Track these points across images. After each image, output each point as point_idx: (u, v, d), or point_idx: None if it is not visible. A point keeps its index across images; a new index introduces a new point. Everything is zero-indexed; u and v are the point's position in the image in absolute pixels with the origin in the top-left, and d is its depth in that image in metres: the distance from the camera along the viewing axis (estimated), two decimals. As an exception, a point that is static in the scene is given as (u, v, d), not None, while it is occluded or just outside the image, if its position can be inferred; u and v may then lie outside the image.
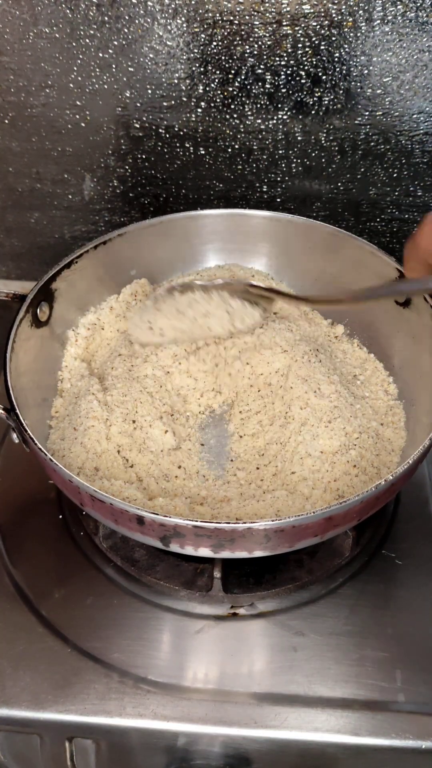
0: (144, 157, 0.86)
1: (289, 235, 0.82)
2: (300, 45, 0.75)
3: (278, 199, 0.89)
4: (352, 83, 0.78)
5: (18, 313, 0.67)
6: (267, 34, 0.75)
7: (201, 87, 0.80)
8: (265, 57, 0.77)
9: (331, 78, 0.78)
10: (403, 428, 0.70)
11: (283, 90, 0.79)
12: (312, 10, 0.73)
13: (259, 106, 0.81)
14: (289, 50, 0.76)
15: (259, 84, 0.79)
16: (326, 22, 0.74)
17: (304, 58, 0.77)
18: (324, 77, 0.78)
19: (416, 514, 0.70)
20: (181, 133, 0.84)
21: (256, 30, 0.75)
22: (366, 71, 0.77)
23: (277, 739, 0.55)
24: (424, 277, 0.53)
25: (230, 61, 0.77)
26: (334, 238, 0.78)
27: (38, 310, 0.71)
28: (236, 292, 0.67)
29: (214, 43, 0.76)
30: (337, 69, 0.77)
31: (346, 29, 0.74)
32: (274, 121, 0.82)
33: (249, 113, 0.81)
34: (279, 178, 0.87)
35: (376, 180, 0.85)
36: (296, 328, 0.77)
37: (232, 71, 0.78)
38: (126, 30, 0.76)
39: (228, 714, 0.56)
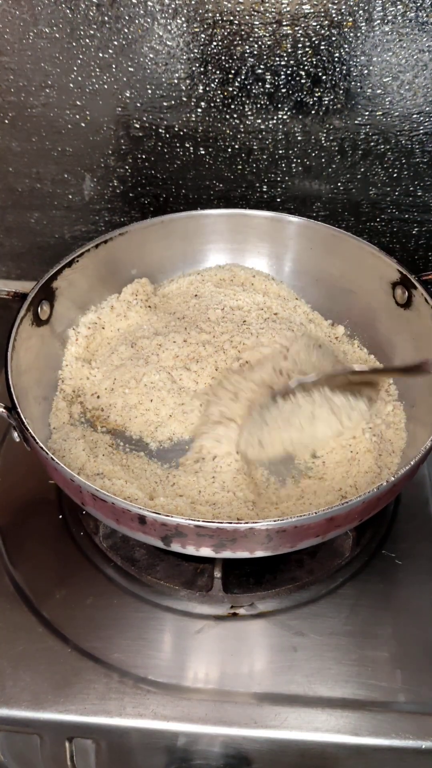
0: (144, 157, 0.86)
1: (289, 235, 0.82)
2: (300, 45, 0.76)
3: (278, 199, 0.89)
4: (352, 83, 0.78)
5: (19, 311, 0.67)
6: (267, 34, 0.75)
7: (201, 87, 0.80)
8: (265, 57, 0.77)
9: (331, 78, 0.78)
10: (403, 429, 0.70)
11: (283, 90, 0.79)
12: (312, 10, 0.73)
13: (259, 106, 0.81)
14: (289, 50, 0.76)
15: (259, 84, 0.79)
16: (326, 22, 0.74)
17: (304, 58, 0.77)
18: (324, 77, 0.78)
19: (416, 514, 0.70)
20: (181, 133, 0.84)
21: (256, 30, 0.75)
22: (366, 71, 0.77)
23: (277, 739, 0.55)
24: None
25: (230, 61, 0.77)
26: (334, 238, 0.78)
27: (39, 309, 0.71)
28: (337, 386, 0.63)
29: (214, 43, 0.76)
30: (337, 69, 0.77)
31: (346, 29, 0.74)
32: (274, 121, 0.82)
33: (249, 113, 0.81)
34: (279, 178, 0.87)
35: (376, 180, 0.86)
36: (297, 328, 0.77)
37: (232, 71, 0.78)
38: (126, 30, 0.76)
39: (228, 714, 0.56)
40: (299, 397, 0.63)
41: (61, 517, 0.70)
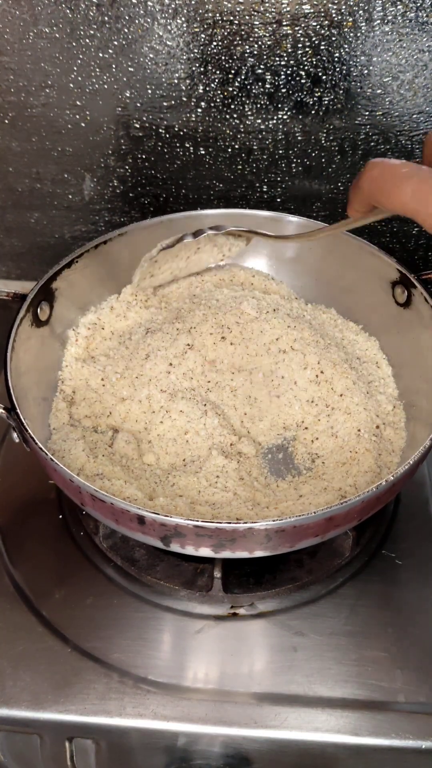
0: (144, 157, 0.86)
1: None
2: (300, 45, 0.76)
3: (278, 199, 0.89)
4: (352, 83, 0.78)
5: (18, 312, 0.67)
6: (267, 34, 0.75)
7: (201, 87, 0.80)
8: (265, 57, 0.77)
9: (331, 78, 0.78)
10: (403, 429, 0.70)
11: (283, 90, 0.79)
12: (312, 10, 0.73)
13: (259, 106, 0.81)
14: (289, 50, 0.76)
15: (259, 84, 0.79)
16: (326, 22, 0.74)
17: (304, 58, 0.77)
18: (324, 77, 0.78)
19: (416, 514, 0.70)
20: (181, 133, 0.84)
21: (256, 30, 0.75)
22: (366, 71, 0.77)
23: (277, 739, 0.55)
24: (364, 215, 0.56)
25: (230, 61, 0.77)
26: (334, 238, 0.78)
27: (39, 310, 0.71)
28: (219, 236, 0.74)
29: (214, 43, 0.76)
30: (337, 69, 0.77)
31: (346, 29, 0.74)
32: (274, 121, 0.82)
33: (249, 113, 0.81)
34: (279, 178, 0.87)
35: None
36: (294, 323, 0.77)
37: (232, 71, 0.78)
38: (126, 30, 0.76)
39: (228, 714, 0.56)
40: (186, 239, 0.72)
41: (61, 517, 0.70)
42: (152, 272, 0.76)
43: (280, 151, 0.84)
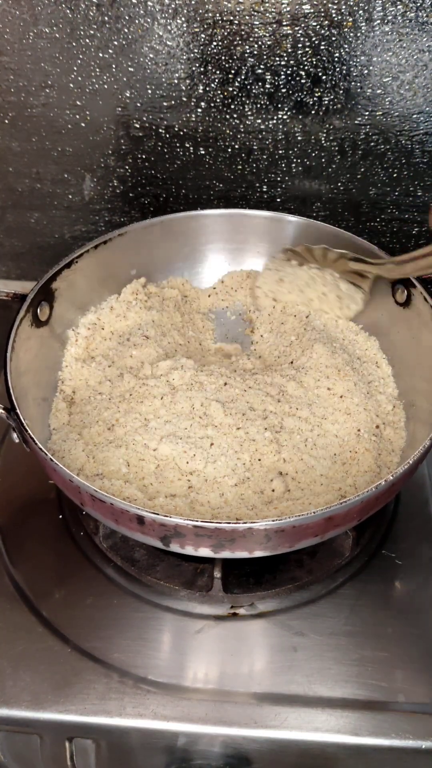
0: (144, 157, 0.86)
1: (288, 235, 0.82)
2: (300, 45, 0.76)
3: (278, 199, 0.89)
4: (352, 83, 0.78)
5: (18, 312, 0.67)
6: (267, 34, 0.75)
7: (201, 87, 0.80)
8: (265, 57, 0.77)
9: (331, 78, 0.78)
10: (403, 428, 0.70)
11: (283, 90, 0.79)
12: (312, 10, 0.73)
13: (259, 106, 0.81)
14: (289, 50, 0.76)
15: (259, 84, 0.79)
16: (326, 22, 0.74)
17: (304, 58, 0.77)
18: (324, 77, 0.78)
19: (416, 514, 0.70)
20: (181, 133, 0.84)
21: (256, 30, 0.75)
22: (366, 71, 0.77)
23: (277, 739, 0.55)
24: None
25: (230, 61, 0.77)
26: (334, 238, 0.78)
27: (38, 310, 0.71)
28: (340, 271, 0.76)
29: (214, 43, 0.76)
30: (337, 69, 0.77)
31: (346, 29, 0.74)
32: (274, 121, 0.82)
33: (249, 113, 0.81)
34: (279, 178, 0.87)
35: (376, 180, 0.86)
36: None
37: (232, 71, 0.78)
38: (126, 30, 0.76)
39: (228, 714, 0.56)
40: (313, 271, 0.77)
41: (61, 517, 0.70)
42: (275, 292, 0.80)
43: (280, 151, 0.84)
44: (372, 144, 0.83)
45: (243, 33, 0.75)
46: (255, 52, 0.77)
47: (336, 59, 0.76)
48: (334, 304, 0.77)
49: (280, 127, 0.82)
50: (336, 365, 0.71)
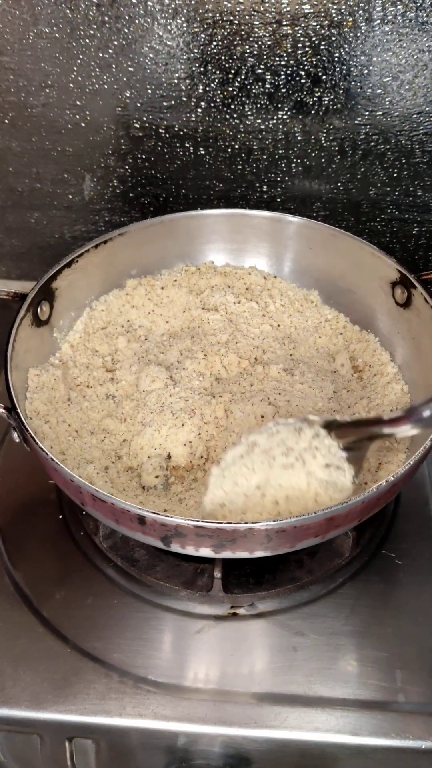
0: (144, 157, 0.86)
1: (289, 235, 0.82)
2: (300, 45, 0.76)
3: (278, 199, 0.89)
4: (352, 83, 0.78)
5: (18, 312, 0.67)
6: (267, 34, 0.75)
7: (201, 87, 0.80)
8: (265, 57, 0.77)
9: (331, 78, 0.78)
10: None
11: (283, 90, 0.79)
12: (312, 10, 0.73)
13: (259, 106, 0.81)
14: (289, 50, 0.76)
15: (259, 84, 0.79)
16: (326, 22, 0.74)
17: (304, 58, 0.77)
18: (324, 77, 0.78)
19: (416, 514, 0.70)
20: (181, 133, 0.84)
21: (256, 30, 0.75)
22: (366, 71, 0.77)
23: (277, 739, 0.55)
24: None
25: (230, 61, 0.77)
26: (334, 238, 0.78)
27: (39, 310, 0.71)
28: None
29: (214, 43, 0.76)
30: (337, 69, 0.77)
31: (346, 29, 0.74)
32: (274, 121, 0.82)
33: (249, 113, 0.81)
34: (279, 178, 0.87)
35: (376, 180, 0.86)
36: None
37: (232, 71, 0.78)
38: (126, 30, 0.76)
39: (228, 714, 0.56)
40: (277, 461, 0.56)
41: (61, 517, 0.70)
42: (225, 506, 0.56)
43: (280, 151, 0.84)
44: (372, 144, 0.83)
45: (243, 33, 0.75)
46: (255, 52, 0.77)
47: (336, 59, 0.76)
48: (308, 499, 0.56)
49: (280, 127, 0.82)
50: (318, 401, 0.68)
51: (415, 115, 0.80)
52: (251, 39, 0.76)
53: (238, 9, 0.74)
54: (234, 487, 0.56)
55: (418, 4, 0.72)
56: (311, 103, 0.80)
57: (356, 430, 0.57)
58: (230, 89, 0.80)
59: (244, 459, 0.56)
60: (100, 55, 0.78)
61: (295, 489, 0.55)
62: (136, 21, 0.75)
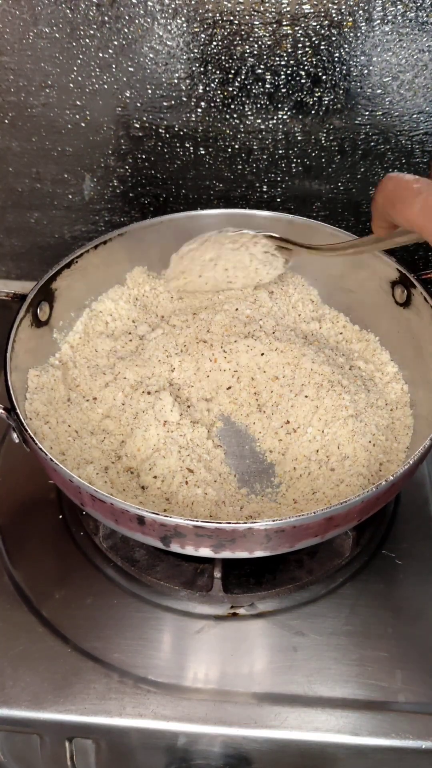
0: (144, 157, 0.86)
1: (289, 235, 0.82)
2: (300, 45, 0.76)
3: (278, 199, 0.89)
4: (352, 83, 0.78)
5: (18, 312, 0.67)
6: (267, 34, 0.75)
7: (201, 87, 0.80)
8: (265, 57, 0.77)
9: (331, 78, 0.78)
10: (410, 427, 0.70)
11: (283, 90, 0.79)
12: (312, 10, 0.73)
13: (259, 106, 0.81)
14: (289, 50, 0.76)
15: (259, 84, 0.79)
16: (326, 22, 0.74)
17: (304, 58, 0.77)
18: (324, 77, 0.78)
19: (416, 514, 0.70)
20: (181, 133, 0.84)
21: (256, 30, 0.75)
22: (366, 71, 0.77)
23: (277, 739, 0.55)
24: (389, 231, 0.55)
25: (230, 61, 0.77)
26: (334, 238, 0.78)
27: (38, 310, 0.71)
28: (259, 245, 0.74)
29: (214, 43, 0.76)
30: (337, 69, 0.77)
31: (346, 29, 0.74)
32: (274, 121, 0.82)
33: (249, 113, 0.81)
34: (279, 178, 0.87)
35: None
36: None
37: (232, 71, 0.78)
38: (126, 30, 0.76)
39: (228, 714, 0.56)
40: (228, 245, 0.73)
41: (61, 517, 0.70)
42: (184, 274, 0.76)
43: (280, 151, 0.84)
44: (372, 144, 0.83)
45: (243, 33, 0.75)
46: (255, 52, 0.77)
47: (336, 59, 0.76)
48: (246, 270, 0.76)
49: (280, 127, 0.82)
50: (330, 378, 0.70)
51: (415, 115, 0.80)
52: (251, 39, 0.76)
53: (238, 9, 0.74)
54: (192, 262, 0.75)
55: (418, 4, 0.72)
56: (311, 103, 0.80)
57: (284, 242, 0.73)
58: (230, 89, 0.80)
59: (198, 248, 0.73)
60: (100, 55, 0.78)
61: (240, 262, 0.75)
62: (136, 21, 0.75)
